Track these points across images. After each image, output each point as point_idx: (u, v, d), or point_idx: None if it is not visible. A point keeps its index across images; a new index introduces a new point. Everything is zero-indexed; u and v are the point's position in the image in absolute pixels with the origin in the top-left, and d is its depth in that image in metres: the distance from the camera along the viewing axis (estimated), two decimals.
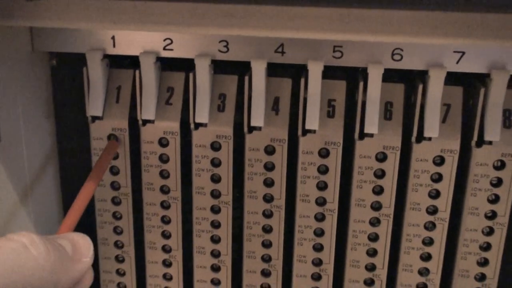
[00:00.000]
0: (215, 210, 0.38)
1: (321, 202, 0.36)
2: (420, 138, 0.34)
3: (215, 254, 0.39)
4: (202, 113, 0.35)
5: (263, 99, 0.35)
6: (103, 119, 0.37)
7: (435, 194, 0.36)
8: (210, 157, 0.36)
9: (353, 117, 0.35)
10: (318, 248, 0.38)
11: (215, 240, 0.39)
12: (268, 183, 0.37)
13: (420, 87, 0.33)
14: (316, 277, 0.38)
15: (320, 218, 0.37)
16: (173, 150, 0.37)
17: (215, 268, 0.39)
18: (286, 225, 0.38)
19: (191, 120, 0.36)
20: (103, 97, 0.36)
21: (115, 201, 0.39)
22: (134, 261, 0.40)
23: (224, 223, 0.38)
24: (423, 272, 0.37)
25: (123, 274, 0.41)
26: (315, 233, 0.37)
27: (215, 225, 0.38)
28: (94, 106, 0.36)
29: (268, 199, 0.37)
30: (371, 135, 0.35)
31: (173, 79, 0.37)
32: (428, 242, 0.37)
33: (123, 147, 0.37)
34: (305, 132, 0.35)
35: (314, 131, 0.35)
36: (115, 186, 0.38)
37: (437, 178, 0.35)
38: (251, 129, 0.36)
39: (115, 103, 0.37)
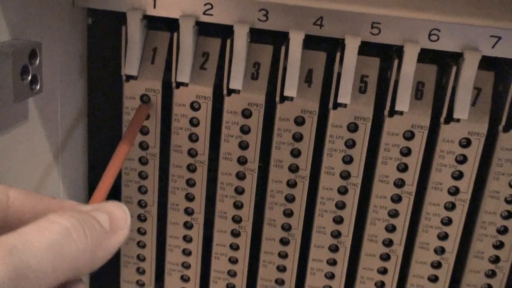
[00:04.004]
0: (240, 176, 0.38)
1: (345, 175, 0.37)
2: (449, 119, 0.35)
3: (237, 219, 0.40)
4: (236, 80, 0.36)
5: (297, 70, 0.35)
6: (137, 79, 0.37)
7: (458, 175, 0.36)
8: (240, 123, 0.37)
9: (384, 94, 0.36)
10: (338, 220, 0.39)
11: (238, 206, 0.39)
12: (295, 153, 0.37)
13: (454, 69, 0.34)
14: (334, 249, 0.39)
15: (343, 191, 0.38)
16: (204, 115, 0.37)
17: (235, 234, 0.40)
18: (308, 196, 0.38)
19: (224, 86, 0.36)
20: (139, 57, 0.37)
21: (142, 161, 0.39)
22: (156, 221, 0.41)
23: (248, 189, 0.39)
24: (439, 250, 0.38)
25: (144, 233, 0.42)
26: (336, 205, 0.38)
27: (239, 191, 0.39)
28: (130, 65, 0.37)
29: (293, 169, 0.38)
30: (401, 113, 0.35)
31: (209, 44, 0.37)
32: (447, 222, 0.37)
33: (154, 108, 0.38)
34: (336, 105, 0.36)
35: (345, 105, 0.36)
36: (143, 146, 0.39)
37: (462, 160, 0.36)
38: (283, 99, 0.36)
39: (150, 64, 0.37)
